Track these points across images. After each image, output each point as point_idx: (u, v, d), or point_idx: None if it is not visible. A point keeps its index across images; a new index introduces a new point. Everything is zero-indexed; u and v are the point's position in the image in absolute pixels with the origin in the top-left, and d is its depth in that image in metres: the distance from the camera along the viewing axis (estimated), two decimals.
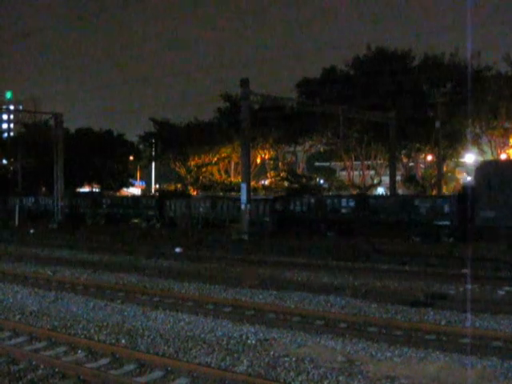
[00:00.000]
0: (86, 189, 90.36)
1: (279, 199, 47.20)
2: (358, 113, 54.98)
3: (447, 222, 37.26)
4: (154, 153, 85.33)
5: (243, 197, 42.29)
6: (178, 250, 31.64)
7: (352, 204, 42.12)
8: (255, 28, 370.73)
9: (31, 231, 46.70)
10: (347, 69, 69.74)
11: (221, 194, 67.02)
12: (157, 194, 63.42)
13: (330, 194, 61.57)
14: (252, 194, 45.93)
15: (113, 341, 12.47)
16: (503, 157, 65.24)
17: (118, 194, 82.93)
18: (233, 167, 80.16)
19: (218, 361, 11.01)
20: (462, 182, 69.70)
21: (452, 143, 63.40)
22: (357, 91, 63.42)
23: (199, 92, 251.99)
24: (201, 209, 49.93)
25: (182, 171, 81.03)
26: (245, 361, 11.00)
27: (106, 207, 58.85)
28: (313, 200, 44.57)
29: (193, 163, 79.73)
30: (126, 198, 66.25)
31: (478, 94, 55.95)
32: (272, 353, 11.53)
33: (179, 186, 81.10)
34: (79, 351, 11.52)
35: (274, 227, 43.92)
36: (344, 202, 42.87)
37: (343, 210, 42.08)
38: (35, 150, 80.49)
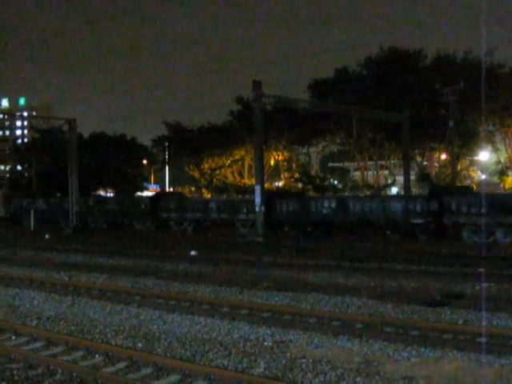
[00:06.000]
0: (101, 193, 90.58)
1: None
2: (370, 113, 54.90)
3: None
4: (167, 156, 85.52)
5: (257, 199, 42.34)
6: (193, 252, 31.66)
7: None
8: (267, 29, 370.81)
9: (46, 236, 46.82)
10: (359, 69, 69.69)
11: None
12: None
13: None
14: None
15: (130, 345, 12.50)
16: None
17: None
18: (246, 169, 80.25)
19: (235, 363, 11.02)
20: (476, 179, 69.53)
21: (466, 141, 63.18)
22: (369, 91, 63.34)
23: (211, 95, 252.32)
24: None
25: (196, 174, 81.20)
26: (262, 363, 11.00)
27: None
28: None
29: (206, 166, 79.89)
30: None
31: (491, 91, 55.73)
32: (289, 354, 11.52)
33: (193, 188, 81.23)
34: (97, 355, 11.55)
35: None
36: None
37: None
38: (49, 155, 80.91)
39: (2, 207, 68.68)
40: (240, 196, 66.52)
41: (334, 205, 43.56)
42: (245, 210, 47.68)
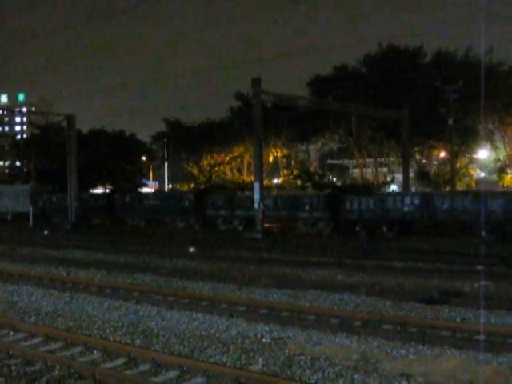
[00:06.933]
0: (99, 189, 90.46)
1: None
2: (370, 110, 54.89)
3: None
4: (166, 153, 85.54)
5: (256, 196, 42.36)
6: (191, 249, 31.67)
7: None
8: (266, 26, 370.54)
9: (45, 232, 46.80)
10: (359, 66, 69.67)
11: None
12: None
13: None
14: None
15: (128, 341, 12.49)
16: None
17: None
18: (245, 166, 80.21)
19: (234, 360, 11.02)
20: (475, 177, 69.60)
21: (465, 139, 63.23)
22: (369, 89, 63.32)
23: (211, 92, 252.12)
24: None
25: (195, 171, 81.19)
26: (260, 360, 10.99)
27: None
28: None
29: (205, 163, 79.88)
30: None
31: (490, 90, 55.71)
32: (287, 351, 11.52)
33: (192, 185, 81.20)
34: (95, 351, 11.54)
35: None
36: None
37: None
38: (48, 151, 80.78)
39: (29, 203, 62.73)
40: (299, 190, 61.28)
41: (417, 201, 39.65)
42: (307, 208, 43.67)
